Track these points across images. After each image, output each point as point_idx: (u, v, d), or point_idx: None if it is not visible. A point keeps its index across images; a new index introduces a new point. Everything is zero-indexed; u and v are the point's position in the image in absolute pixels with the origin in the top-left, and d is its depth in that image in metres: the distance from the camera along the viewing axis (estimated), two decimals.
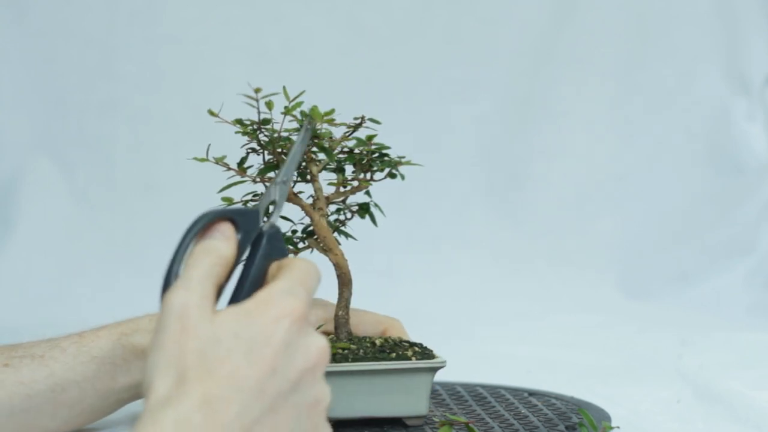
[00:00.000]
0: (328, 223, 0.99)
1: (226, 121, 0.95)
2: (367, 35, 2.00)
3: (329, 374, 0.81)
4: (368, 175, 1.00)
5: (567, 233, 1.99)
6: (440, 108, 2.00)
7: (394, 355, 0.96)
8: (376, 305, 1.06)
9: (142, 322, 1.00)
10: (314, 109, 0.94)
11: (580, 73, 2.02)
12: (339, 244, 0.99)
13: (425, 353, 0.98)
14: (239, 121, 0.96)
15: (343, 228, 1.02)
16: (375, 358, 0.96)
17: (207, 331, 0.67)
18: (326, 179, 0.99)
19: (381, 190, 1.03)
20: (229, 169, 0.97)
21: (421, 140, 1.96)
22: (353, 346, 0.97)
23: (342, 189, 1.00)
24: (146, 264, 1.85)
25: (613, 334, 1.62)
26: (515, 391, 1.13)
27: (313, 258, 0.80)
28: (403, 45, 2.01)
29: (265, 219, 0.78)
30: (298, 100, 0.94)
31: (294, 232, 1.00)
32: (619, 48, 2.03)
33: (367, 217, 1.02)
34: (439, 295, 1.85)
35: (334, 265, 0.98)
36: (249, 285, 0.74)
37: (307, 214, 0.98)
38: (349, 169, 1.00)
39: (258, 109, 0.93)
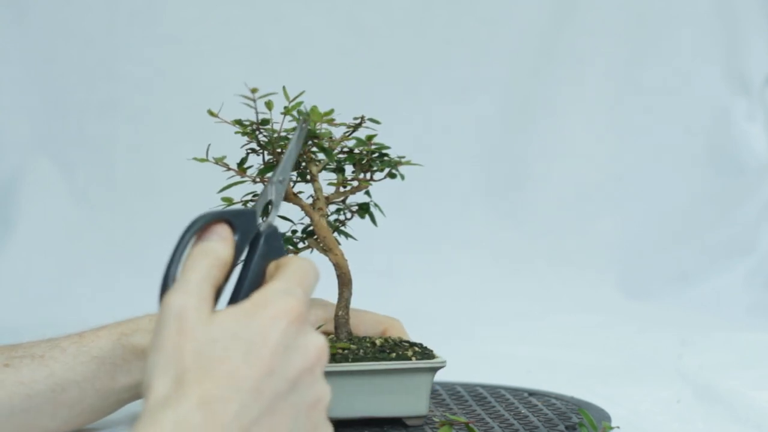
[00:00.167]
0: (328, 223, 0.99)
1: (226, 122, 0.95)
2: (367, 35, 2.00)
3: (329, 374, 0.81)
4: (368, 175, 1.00)
5: (567, 233, 1.99)
6: (440, 108, 2.00)
7: (394, 355, 0.96)
8: (376, 305, 1.06)
9: (142, 322, 1.00)
10: (314, 109, 0.94)
11: (580, 73, 2.02)
12: (339, 244, 0.99)
13: (425, 353, 0.98)
14: (239, 122, 0.96)
15: (343, 228, 1.02)
16: (375, 358, 0.96)
17: (204, 332, 0.67)
18: (326, 179, 0.99)
19: (381, 190, 1.03)
20: (229, 169, 0.97)
21: (421, 140, 1.96)
22: (353, 346, 0.97)
23: (342, 189, 1.00)
24: (146, 264, 1.85)
25: (613, 334, 1.62)
26: (515, 391, 1.13)
27: (313, 258, 0.80)
28: (403, 45, 2.01)
29: (264, 219, 0.78)
30: (297, 100, 0.94)
31: (294, 232, 1.00)
32: (619, 48, 2.03)
33: (367, 217, 1.02)
34: (439, 295, 1.85)
35: (334, 265, 0.98)
36: (247, 285, 0.74)
37: (307, 214, 0.98)
38: (349, 169, 1.00)
39: (256, 109, 0.93)
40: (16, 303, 1.77)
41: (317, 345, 0.70)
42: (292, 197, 0.97)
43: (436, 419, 0.98)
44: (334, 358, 0.95)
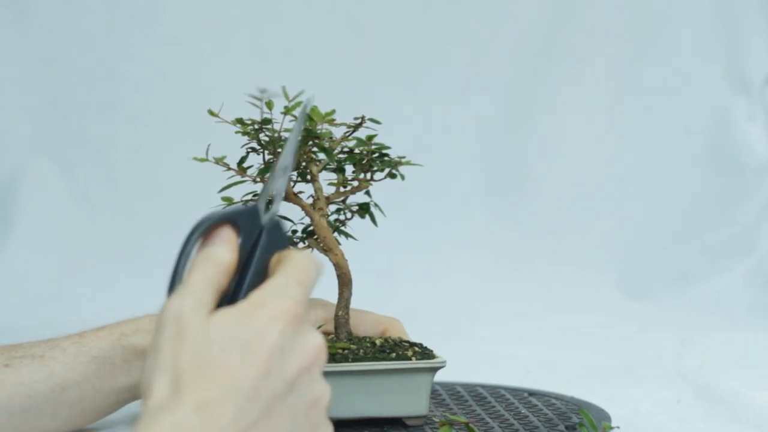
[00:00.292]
0: (328, 223, 0.99)
1: (226, 121, 0.95)
2: (367, 35, 2.00)
3: (329, 374, 0.81)
4: (368, 175, 1.00)
5: (567, 233, 1.99)
6: (440, 108, 2.00)
7: (394, 355, 0.96)
8: (376, 305, 1.06)
9: (142, 322, 1.00)
10: (314, 109, 0.94)
11: (580, 73, 2.02)
12: (339, 244, 0.99)
13: (425, 353, 0.98)
14: (239, 121, 0.96)
15: (343, 228, 1.02)
16: (375, 358, 0.96)
17: (202, 333, 0.67)
18: (326, 179, 0.99)
19: (381, 190, 1.03)
20: (229, 168, 0.97)
21: (421, 140, 1.96)
22: (353, 346, 0.97)
23: (342, 189, 1.00)
24: (146, 264, 1.85)
25: (613, 334, 1.62)
26: (515, 391, 1.13)
27: None
28: (403, 45, 2.01)
29: (267, 211, 0.77)
30: (297, 99, 0.94)
31: (294, 232, 1.00)
32: (619, 48, 2.03)
33: (367, 217, 1.02)
34: (439, 295, 1.85)
35: (334, 265, 0.98)
36: (248, 282, 0.73)
37: (307, 214, 0.98)
38: (349, 169, 1.00)
39: (261, 109, 0.93)
40: (16, 303, 1.77)
41: (315, 344, 0.70)
42: (292, 197, 0.97)
43: (436, 419, 0.98)
44: (334, 358, 0.95)
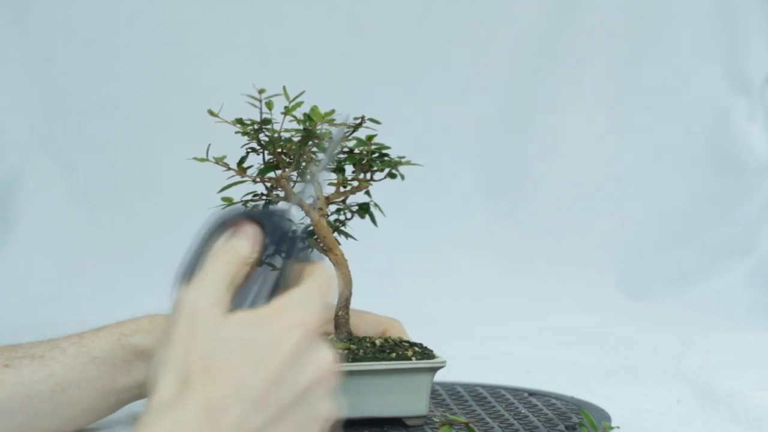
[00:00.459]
0: (328, 223, 0.99)
1: (226, 121, 0.95)
2: (367, 35, 2.00)
3: None
4: (368, 175, 1.00)
5: (567, 233, 1.99)
6: (440, 108, 2.00)
7: (394, 355, 0.96)
8: (376, 305, 1.06)
9: (142, 322, 1.00)
10: (314, 109, 0.94)
11: (580, 73, 2.02)
12: (339, 244, 0.99)
13: (425, 353, 0.98)
14: (239, 121, 0.96)
15: (343, 228, 1.02)
16: (375, 358, 0.96)
17: (215, 334, 0.66)
18: (326, 179, 0.99)
19: (381, 190, 1.03)
20: (229, 168, 0.97)
21: (421, 140, 1.96)
22: (353, 346, 0.97)
23: (342, 189, 1.00)
24: (146, 264, 1.85)
25: (613, 334, 1.62)
26: (515, 391, 1.13)
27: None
28: (403, 45, 2.01)
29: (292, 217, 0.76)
30: (298, 100, 0.94)
31: (294, 232, 1.00)
32: (619, 48, 2.03)
33: (367, 217, 1.02)
34: (439, 295, 1.85)
35: (334, 264, 0.98)
36: (268, 288, 0.72)
37: (307, 214, 0.98)
38: (349, 169, 1.00)
39: (260, 109, 0.93)
40: (16, 303, 1.77)
41: (329, 359, 0.69)
42: (291, 197, 0.97)
43: (436, 419, 0.98)
44: None
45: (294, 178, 0.98)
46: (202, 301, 0.67)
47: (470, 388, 1.14)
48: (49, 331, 1.02)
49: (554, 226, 1.99)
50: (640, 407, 1.13)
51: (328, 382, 0.69)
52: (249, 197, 0.97)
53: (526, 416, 1.02)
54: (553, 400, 1.09)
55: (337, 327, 1.00)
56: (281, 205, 0.74)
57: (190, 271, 0.71)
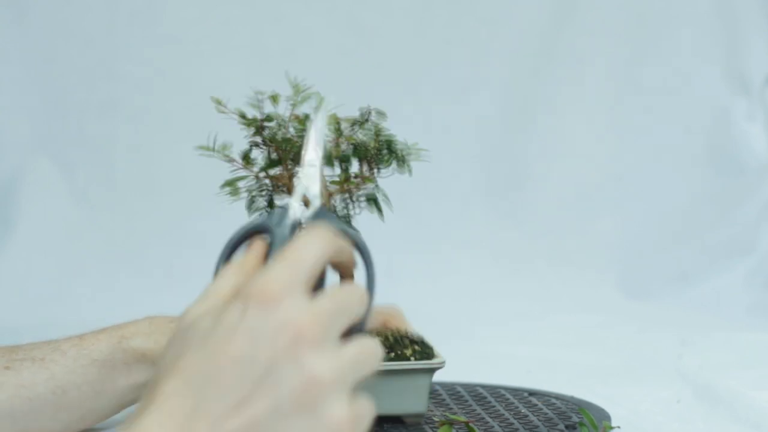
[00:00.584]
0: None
1: (230, 112, 0.95)
2: (367, 35, 2.00)
3: None
4: (374, 171, 0.99)
5: (567, 233, 1.99)
6: (440, 108, 2.00)
7: (393, 355, 0.96)
8: (376, 305, 1.06)
9: (142, 325, 1.00)
10: (321, 99, 0.93)
11: (580, 73, 2.02)
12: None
13: (425, 352, 0.98)
14: (243, 115, 0.95)
15: (348, 222, 1.01)
16: None
17: (183, 332, 0.64)
18: (328, 176, 0.99)
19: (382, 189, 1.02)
20: (232, 161, 0.96)
21: (421, 140, 1.95)
22: None
23: (346, 185, 0.99)
24: (146, 264, 1.86)
25: (613, 334, 1.61)
26: (515, 391, 1.13)
27: None
28: (403, 45, 2.01)
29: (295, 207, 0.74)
30: (305, 93, 0.94)
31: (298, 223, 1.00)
32: (619, 48, 2.03)
33: (368, 216, 1.02)
34: (439, 295, 1.85)
35: None
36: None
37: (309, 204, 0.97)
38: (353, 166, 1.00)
39: (262, 109, 0.93)
40: (16, 303, 1.77)
41: (294, 322, 0.61)
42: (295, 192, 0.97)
43: (436, 419, 0.98)
44: None
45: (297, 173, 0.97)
46: (196, 312, 0.65)
47: (470, 388, 1.14)
48: (49, 331, 1.02)
49: (554, 226, 1.99)
50: (640, 407, 1.12)
51: (303, 345, 0.61)
52: (255, 190, 0.96)
53: (526, 416, 1.02)
54: (553, 400, 1.09)
55: None
56: (281, 203, 0.73)
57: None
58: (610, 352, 1.46)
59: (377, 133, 0.97)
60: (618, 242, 1.98)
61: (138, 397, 1.00)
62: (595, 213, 2.00)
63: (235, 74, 1.92)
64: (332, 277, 0.76)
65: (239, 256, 0.70)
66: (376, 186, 1.01)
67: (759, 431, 1.05)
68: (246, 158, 0.96)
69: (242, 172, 0.96)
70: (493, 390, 1.13)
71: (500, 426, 0.99)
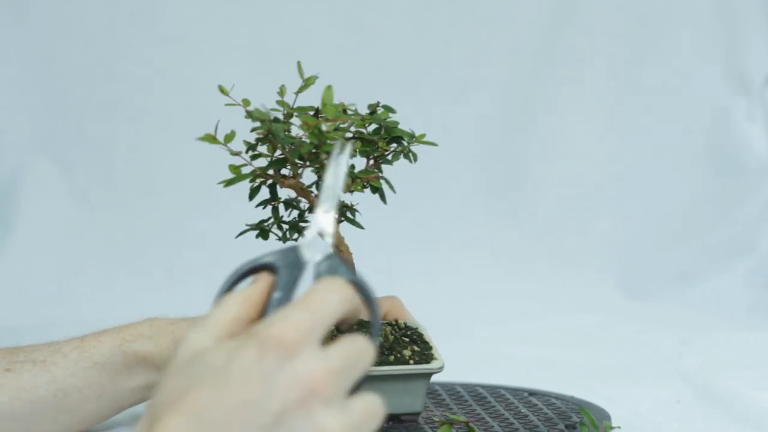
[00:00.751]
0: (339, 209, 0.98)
1: (237, 103, 0.95)
2: (367, 35, 2.00)
3: None
4: (380, 166, 1.00)
5: (567, 233, 1.99)
6: (440, 108, 2.00)
7: (392, 358, 0.96)
8: None
9: (143, 327, 1.00)
10: (327, 91, 0.93)
11: (580, 73, 2.02)
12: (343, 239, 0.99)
13: (423, 353, 0.98)
14: (247, 103, 0.94)
15: (351, 216, 1.01)
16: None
17: (181, 365, 0.62)
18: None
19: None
20: (235, 154, 0.95)
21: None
22: None
23: (352, 187, 0.99)
24: (146, 264, 1.86)
25: (613, 334, 1.62)
26: (515, 391, 1.13)
27: None
28: (403, 45, 2.01)
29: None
30: (309, 84, 0.94)
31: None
32: (619, 48, 2.03)
33: (368, 216, 1.02)
34: (439, 295, 1.85)
35: None
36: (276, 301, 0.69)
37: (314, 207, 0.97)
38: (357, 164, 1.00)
39: (268, 118, 0.93)
40: (16, 303, 1.77)
41: (309, 374, 0.61)
42: (300, 192, 0.97)
43: (436, 419, 0.98)
44: None
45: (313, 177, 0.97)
46: (200, 342, 0.64)
47: (470, 388, 1.14)
48: (49, 332, 1.02)
49: (554, 226, 1.99)
50: (640, 407, 1.13)
51: (316, 400, 0.61)
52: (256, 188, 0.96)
53: (526, 415, 1.02)
54: (553, 400, 1.09)
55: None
56: (290, 245, 0.71)
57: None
58: (610, 352, 1.46)
59: (384, 119, 0.97)
60: (618, 242, 1.98)
61: (138, 399, 1.00)
62: (595, 213, 2.00)
63: (235, 74, 1.92)
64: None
65: (242, 287, 0.70)
66: (379, 168, 1.01)
67: (759, 431, 1.05)
68: (253, 149, 0.95)
69: (246, 169, 0.95)
70: (493, 390, 1.13)
71: (500, 426, 0.99)
